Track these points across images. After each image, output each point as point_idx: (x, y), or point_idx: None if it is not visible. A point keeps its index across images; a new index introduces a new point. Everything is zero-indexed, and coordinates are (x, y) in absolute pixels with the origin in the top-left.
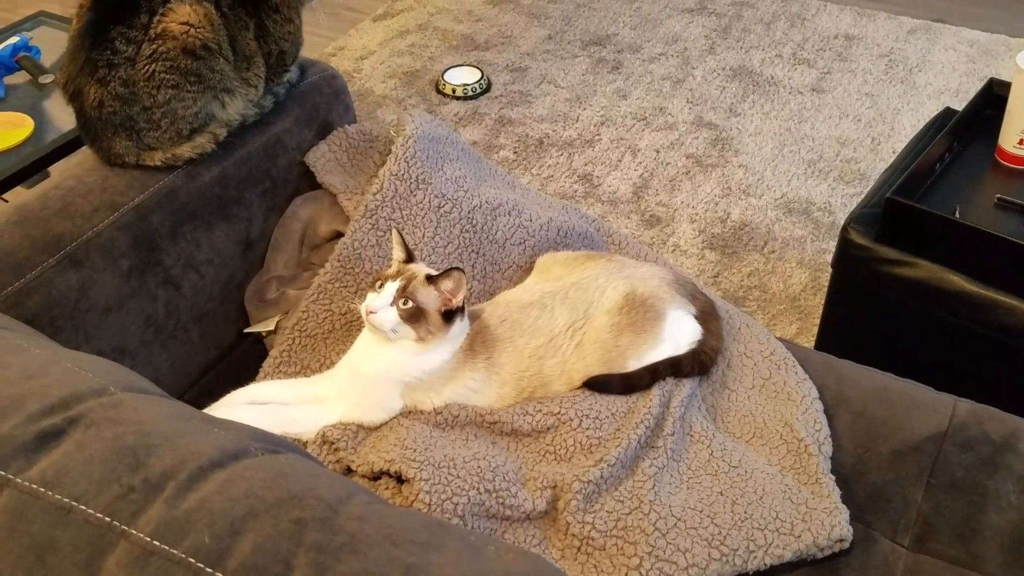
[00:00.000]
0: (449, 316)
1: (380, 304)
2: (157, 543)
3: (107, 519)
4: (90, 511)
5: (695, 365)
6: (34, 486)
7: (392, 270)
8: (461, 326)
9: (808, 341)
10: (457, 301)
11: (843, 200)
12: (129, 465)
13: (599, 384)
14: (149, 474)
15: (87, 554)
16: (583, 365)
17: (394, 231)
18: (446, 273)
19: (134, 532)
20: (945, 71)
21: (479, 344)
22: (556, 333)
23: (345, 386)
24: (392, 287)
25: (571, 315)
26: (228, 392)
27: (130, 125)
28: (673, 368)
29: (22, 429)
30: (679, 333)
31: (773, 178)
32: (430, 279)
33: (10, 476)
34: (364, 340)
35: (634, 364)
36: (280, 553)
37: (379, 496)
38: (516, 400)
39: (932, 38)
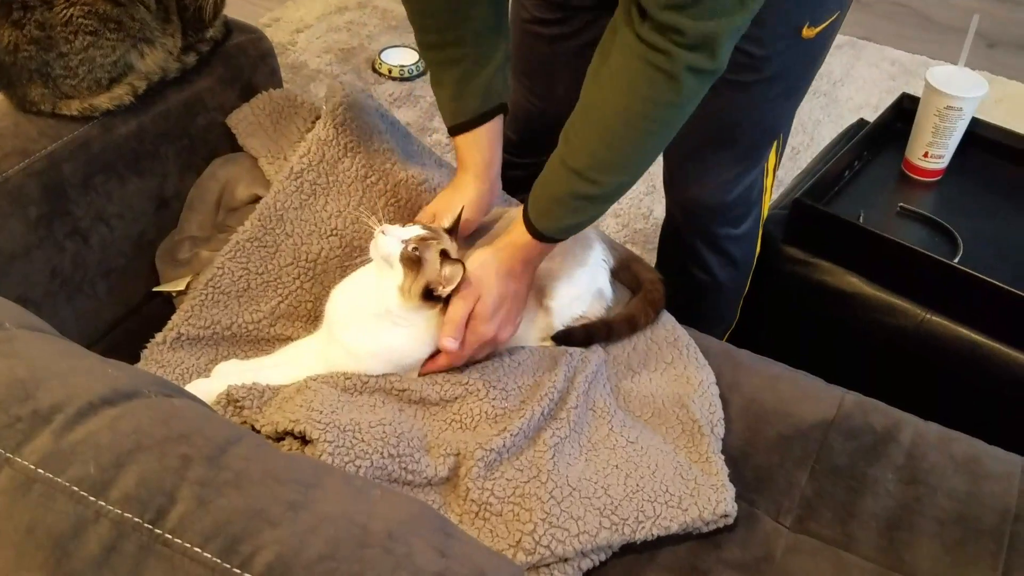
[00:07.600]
0: (428, 296)
1: (394, 235)
2: (41, 471)
3: None
4: None
5: (649, 311)
6: None
7: (429, 221)
8: (429, 315)
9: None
10: (442, 292)
11: None
12: (18, 397)
13: (563, 337)
14: (38, 406)
15: None
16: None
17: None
18: (456, 265)
19: (19, 460)
20: (867, 87)
21: None
22: None
23: (325, 350)
24: (416, 230)
25: None
26: (135, 347)
27: (46, 71)
28: (629, 321)
29: None
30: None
31: None
32: (444, 255)
33: None
34: (357, 311)
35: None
36: (164, 486)
37: (269, 443)
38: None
39: (856, 54)
